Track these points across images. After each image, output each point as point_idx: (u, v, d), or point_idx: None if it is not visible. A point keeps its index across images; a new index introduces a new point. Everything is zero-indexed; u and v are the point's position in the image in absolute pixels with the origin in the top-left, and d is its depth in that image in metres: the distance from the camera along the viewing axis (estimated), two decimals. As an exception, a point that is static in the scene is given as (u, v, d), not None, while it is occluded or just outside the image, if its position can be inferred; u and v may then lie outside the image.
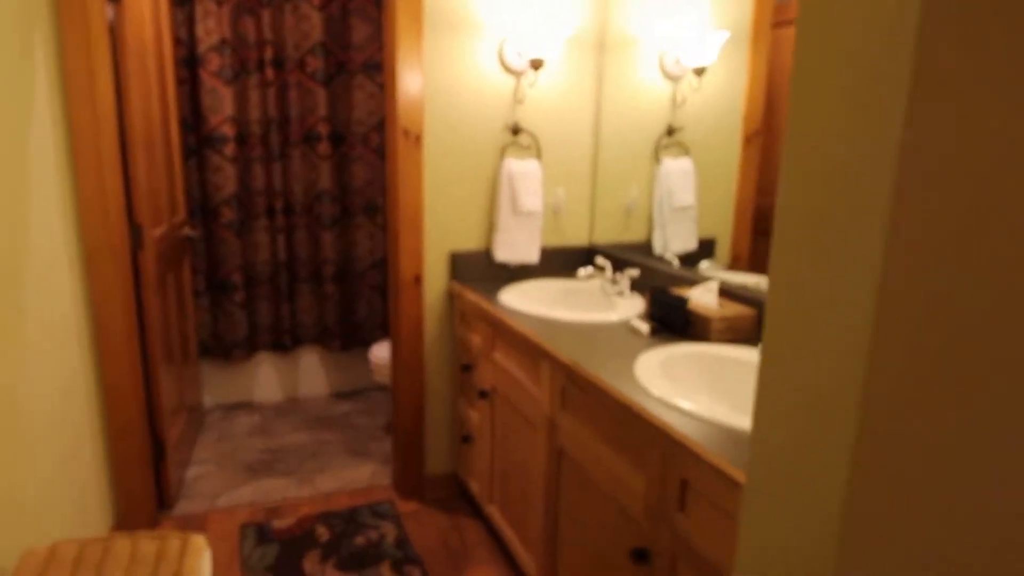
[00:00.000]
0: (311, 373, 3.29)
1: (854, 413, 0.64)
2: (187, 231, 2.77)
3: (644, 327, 1.66)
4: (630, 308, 1.85)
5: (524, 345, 1.74)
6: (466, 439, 2.24)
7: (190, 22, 2.77)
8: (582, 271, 2.02)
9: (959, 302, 0.63)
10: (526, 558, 1.84)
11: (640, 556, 1.27)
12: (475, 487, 2.20)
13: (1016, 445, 0.69)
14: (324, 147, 2.99)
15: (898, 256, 0.59)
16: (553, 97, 2.24)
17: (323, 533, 2.23)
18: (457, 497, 2.41)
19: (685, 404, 1.22)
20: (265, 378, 3.24)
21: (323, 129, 2.97)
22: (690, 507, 1.15)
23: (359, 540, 2.19)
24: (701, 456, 1.08)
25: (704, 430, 1.13)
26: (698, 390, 1.47)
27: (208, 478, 2.57)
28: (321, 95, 2.95)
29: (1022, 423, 0.68)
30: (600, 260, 2.08)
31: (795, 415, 0.73)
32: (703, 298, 1.69)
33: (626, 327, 1.71)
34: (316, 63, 2.91)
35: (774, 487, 0.77)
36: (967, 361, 0.65)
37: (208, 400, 3.18)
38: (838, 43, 0.63)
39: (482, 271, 2.26)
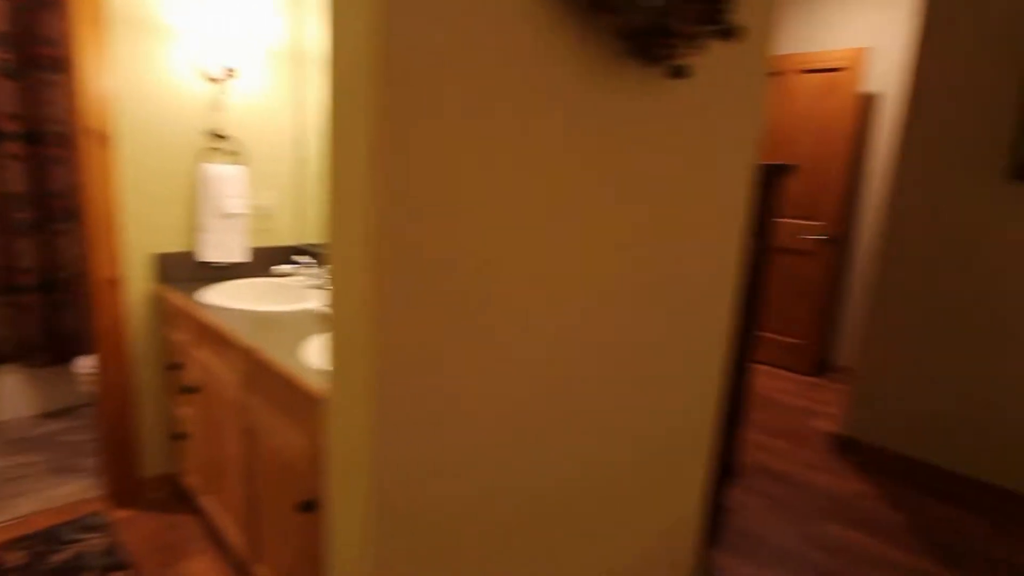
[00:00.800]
0: (12, 394, 2.69)
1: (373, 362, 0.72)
2: None
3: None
4: (323, 298, 1.85)
5: (219, 337, 1.64)
6: (179, 436, 2.03)
7: None
8: (279, 268, 1.97)
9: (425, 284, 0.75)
10: (237, 540, 1.73)
11: (309, 506, 1.28)
12: (191, 482, 2.01)
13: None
14: (14, 146, 2.47)
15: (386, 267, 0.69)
16: (256, 105, 2.14)
17: (16, 558, 1.84)
18: (176, 496, 2.17)
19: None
20: (-49, 404, 2.57)
21: (11, 127, 2.45)
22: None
23: (59, 557, 1.85)
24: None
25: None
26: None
27: None
28: (7, 90, 2.43)
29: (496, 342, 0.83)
30: (301, 257, 2.04)
31: (346, 367, 0.80)
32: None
33: (314, 315, 1.70)
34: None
35: (339, 407, 0.84)
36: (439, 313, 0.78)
37: None
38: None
39: (191, 271, 2.07)
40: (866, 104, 3.66)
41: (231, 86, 2.06)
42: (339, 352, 0.79)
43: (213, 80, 2.02)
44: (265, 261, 2.22)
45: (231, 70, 2.00)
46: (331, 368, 0.82)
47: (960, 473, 2.49)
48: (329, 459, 0.85)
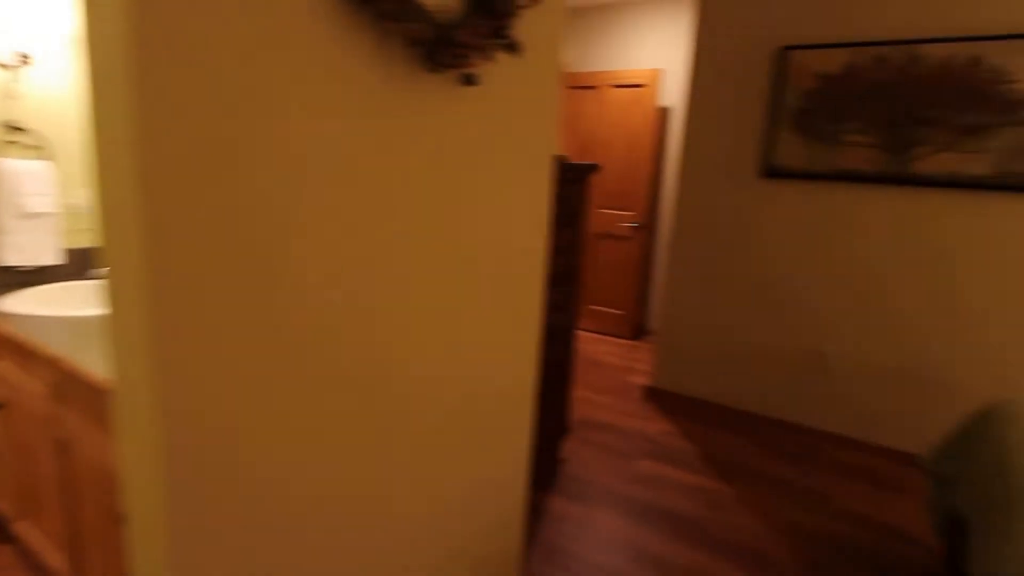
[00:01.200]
0: None
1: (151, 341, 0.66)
2: None
3: (160, 313, 1.49)
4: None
5: (21, 347, 1.38)
6: (-17, 461, 1.69)
7: None
8: (101, 270, 1.71)
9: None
10: (59, 563, 1.49)
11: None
12: (1, 509, 1.68)
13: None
14: None
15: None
16: (61, 95, 1.82)
17: None
18: (-14, 526, 1.81)
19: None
20: None
21: None
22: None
23: None
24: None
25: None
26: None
27: None
28: None
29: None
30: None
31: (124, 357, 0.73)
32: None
33: (143, 315, 1.51)
34: None
35: (123, 406, 0.76)
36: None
37: None
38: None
39: (-13, 278, 1.72)
40: (663, 116, 4.10)
41: (27, 74, 1.73)
42: (119, 354, 0.72)
43: (3, 67, 1.68)
44: (84, 263, 1.91)
45: (25, 56, 1.68)
46: (114, 369, 0.74)
47: (733, 407, 2.94)
48: (121, 465, 0.77)
